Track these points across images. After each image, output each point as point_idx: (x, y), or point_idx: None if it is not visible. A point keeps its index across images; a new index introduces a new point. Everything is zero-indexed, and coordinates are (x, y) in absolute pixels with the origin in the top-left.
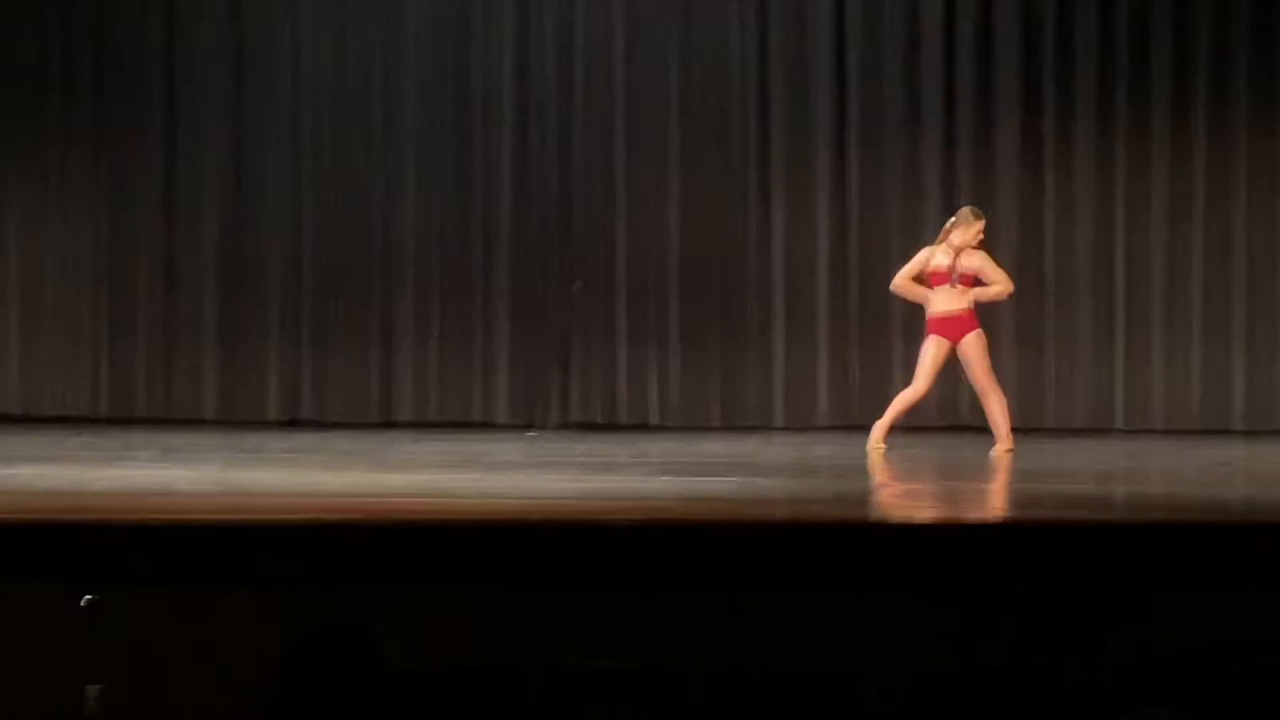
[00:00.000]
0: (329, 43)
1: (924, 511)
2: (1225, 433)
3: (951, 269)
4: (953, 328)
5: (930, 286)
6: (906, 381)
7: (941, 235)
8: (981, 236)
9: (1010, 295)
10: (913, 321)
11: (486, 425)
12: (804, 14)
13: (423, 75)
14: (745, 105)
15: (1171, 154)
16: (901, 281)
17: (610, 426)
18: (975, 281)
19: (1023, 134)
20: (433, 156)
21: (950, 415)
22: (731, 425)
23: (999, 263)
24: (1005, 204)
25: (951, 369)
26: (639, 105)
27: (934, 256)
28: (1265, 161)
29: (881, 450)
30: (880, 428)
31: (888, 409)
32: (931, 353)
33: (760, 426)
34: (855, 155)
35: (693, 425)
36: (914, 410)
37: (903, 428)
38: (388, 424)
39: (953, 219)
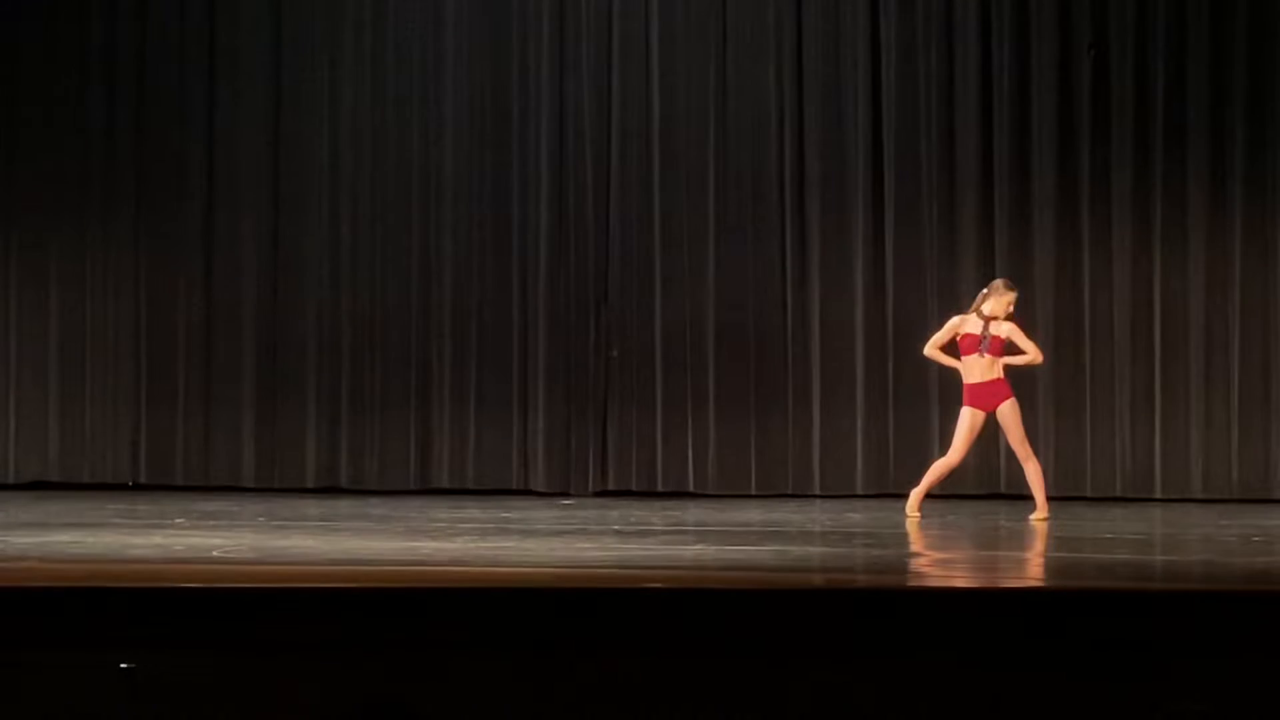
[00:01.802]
0: (367, 113)
1: (960, 579)
2: (1264, 501)
3: (981, 337)
4: (987, 397)
5: (961, 354)
6: (943, 449)
7: (975, 304)
8: (1012, 308)
9: (1040, 364)
10: (949, 389)
11: (524, 492)
12: (841, 85)
13: (460, 144)
14: (783, 174)
15: (1208, 223)
16: (930, 349)
17: (647, 493)
18: (1005, 349)
19: (1059, 201)
20: (471, 225)
21: (988, 483)
22: (768, 492)
23: (1030, 333)
24: (1042, 272)
25: (991, 437)
26: (676, 174)
27: (965, 324)
28: None
29: (918, 518)
30: (917, 495)
31: (924, 477)
32: (967, 422)
33: (797, 494)
34: (892, 224)
35: (729, 492)
36: (950, 478)
37: (940, 495)
38: (425, 491)
39: (986, 289)
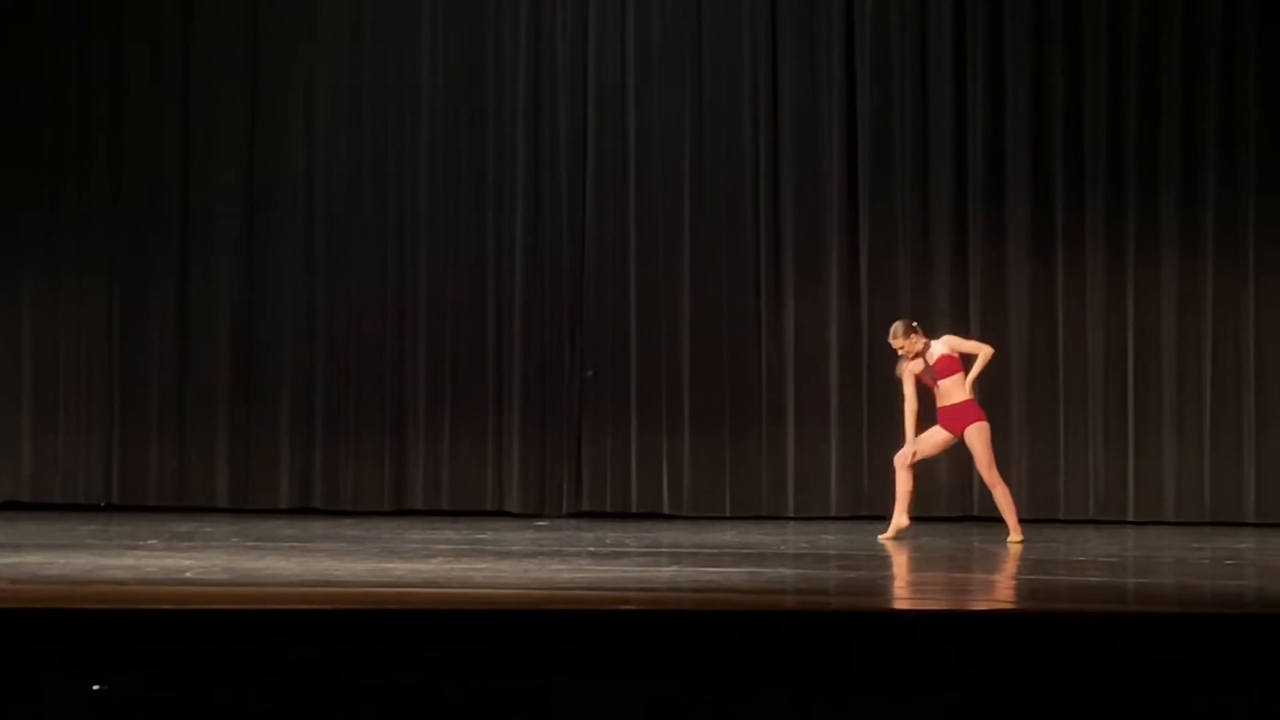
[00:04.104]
0: (343, 135)
1: (934, 601)
2: (1237, 524)
3: (924, 373)
4: (955, 420)
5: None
6: (917, 472)
7: (902, 354)
8: (920, 335)
9: (994, 354)
10: (924, 412)
11: (498, 514)
12: (817, 106)
13: (436, 168)
14: (757, 199)
15: (1181, 245)
16: (909, 419)
17: (621, 515)
18: (959, 364)
19: (1033, 227)
20: (445, 247)
21: (960, 505)
22: (742, 514)
23: (1004, 356)
24: (1016, 296)
25: (965, 458)
26: (651, 198)
27: (914, 369)
28: (1274, 252)
29: (894, 538)
30: (895, 523)
31: (896, 498)
32: (930, 431)
33: (771, 516)
34: (866, 248)
35: (704, 514)
36: (916, 476)
37: (914, 517)
38: (399, 512)
39: (893, 340)
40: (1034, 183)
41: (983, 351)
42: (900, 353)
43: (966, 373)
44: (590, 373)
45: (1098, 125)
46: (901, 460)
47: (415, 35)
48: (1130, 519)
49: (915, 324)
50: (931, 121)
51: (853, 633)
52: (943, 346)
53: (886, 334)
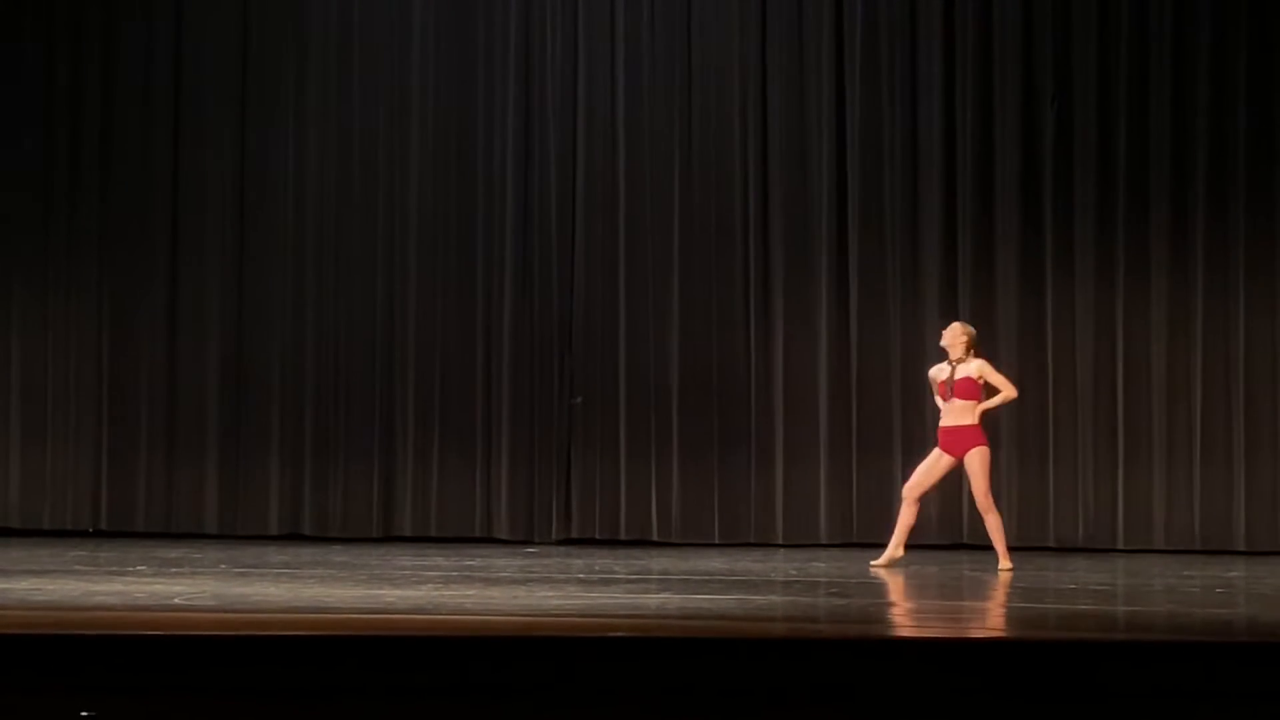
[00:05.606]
0: (333, 160)
1: (924, 629)
2: (1227, 552)
3: (947, 382)
4: (957, 442)
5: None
6: (922, 505)
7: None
8: (970, 344)
9: (1015, 399)
10: (913, 438)
11: (487, 540)
12: (806, 131)
13: (425, 195)
14: (747, 224)
15: (1170, 270)
16: (1006, 390)
17: (610, 541)
18: (981, 390)
19: (1023, 254)
20: (434, 275)
21: (951, 533)
22: (732, 541)
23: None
24: (1005, 323)
25: (956, 486)
26: (640, 225)
27: (940, 372)
28: (1264, 278)
29: (885, 567)
30: (889, 553)
31: (896, 529)
32: (932, 457)
33: (760, 542)
34: (855, 274)
35: (693, 541)
36: (920, 510)
37: (905, 545)
38: (388, 538)
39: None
40: (1023, 212)
41: (1007, 391)
42: (945, 345)
43: (981, 401)
44: (578, 400)
45: (1087, 153)
46: (909, 493)
47: (405, 59)
48: (1120, 546)
49: (976, 337)
50: (921, 148)
51: (843, 660)
52: (974, 369)
53: (874, 360)
